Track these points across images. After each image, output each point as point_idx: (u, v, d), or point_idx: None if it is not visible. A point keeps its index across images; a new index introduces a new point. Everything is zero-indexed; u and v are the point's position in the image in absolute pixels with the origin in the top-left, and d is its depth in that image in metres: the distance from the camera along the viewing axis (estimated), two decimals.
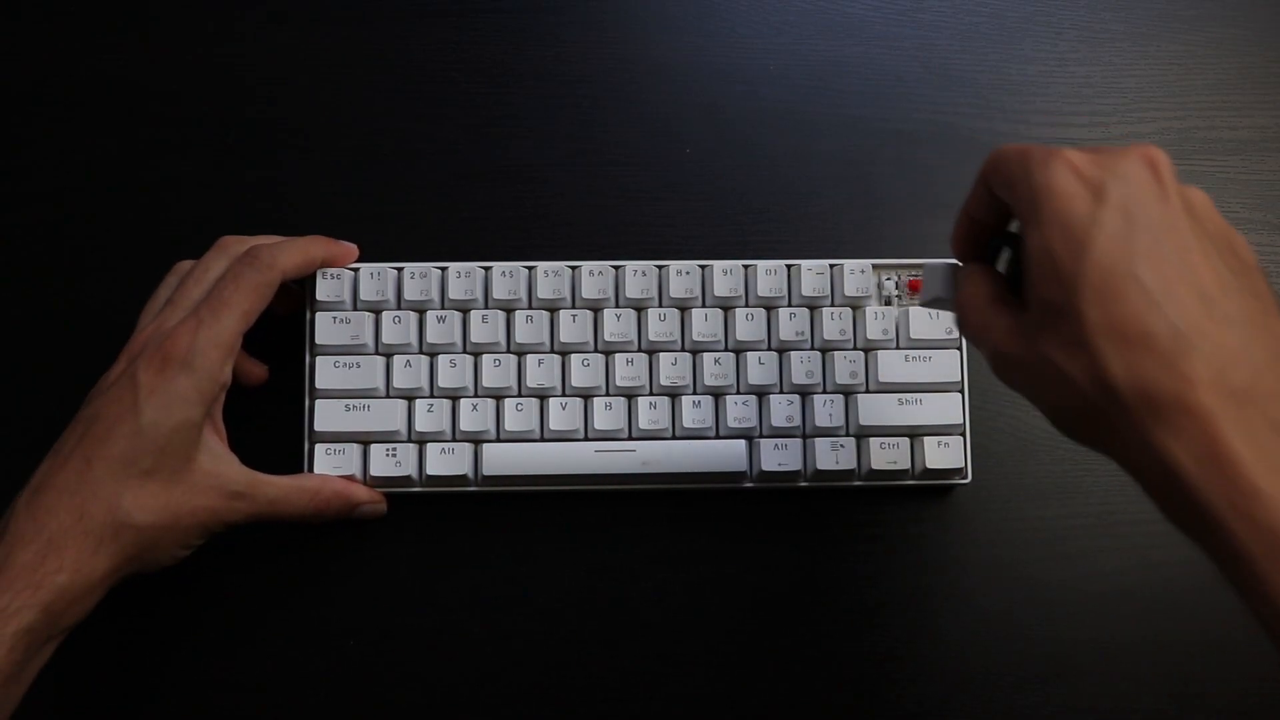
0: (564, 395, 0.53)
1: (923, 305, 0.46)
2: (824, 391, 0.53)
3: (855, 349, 0.53)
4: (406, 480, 0.52)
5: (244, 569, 0.53)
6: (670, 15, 0.58)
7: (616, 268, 0.54)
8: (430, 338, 0.53)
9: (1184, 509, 0.34)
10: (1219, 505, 0.33)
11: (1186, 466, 0.33)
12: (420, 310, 0.53)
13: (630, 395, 0.53)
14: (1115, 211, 0.35)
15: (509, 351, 0.53)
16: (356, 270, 0.53)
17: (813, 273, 0.53)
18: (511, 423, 0.52)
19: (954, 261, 0.44)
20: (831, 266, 0.53)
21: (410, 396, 0.53)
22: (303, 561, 0.53)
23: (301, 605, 0.53)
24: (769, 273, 0.53)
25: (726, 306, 0.54)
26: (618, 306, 0.53)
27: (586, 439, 0.53)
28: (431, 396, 0.53)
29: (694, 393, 0.53)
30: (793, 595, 0.49)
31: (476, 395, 0.53)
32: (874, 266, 0.54)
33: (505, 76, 0.57)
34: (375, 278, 0.53)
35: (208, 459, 0.47)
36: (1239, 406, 0.33)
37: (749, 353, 0.53)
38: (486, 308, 0.53)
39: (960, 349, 0.53)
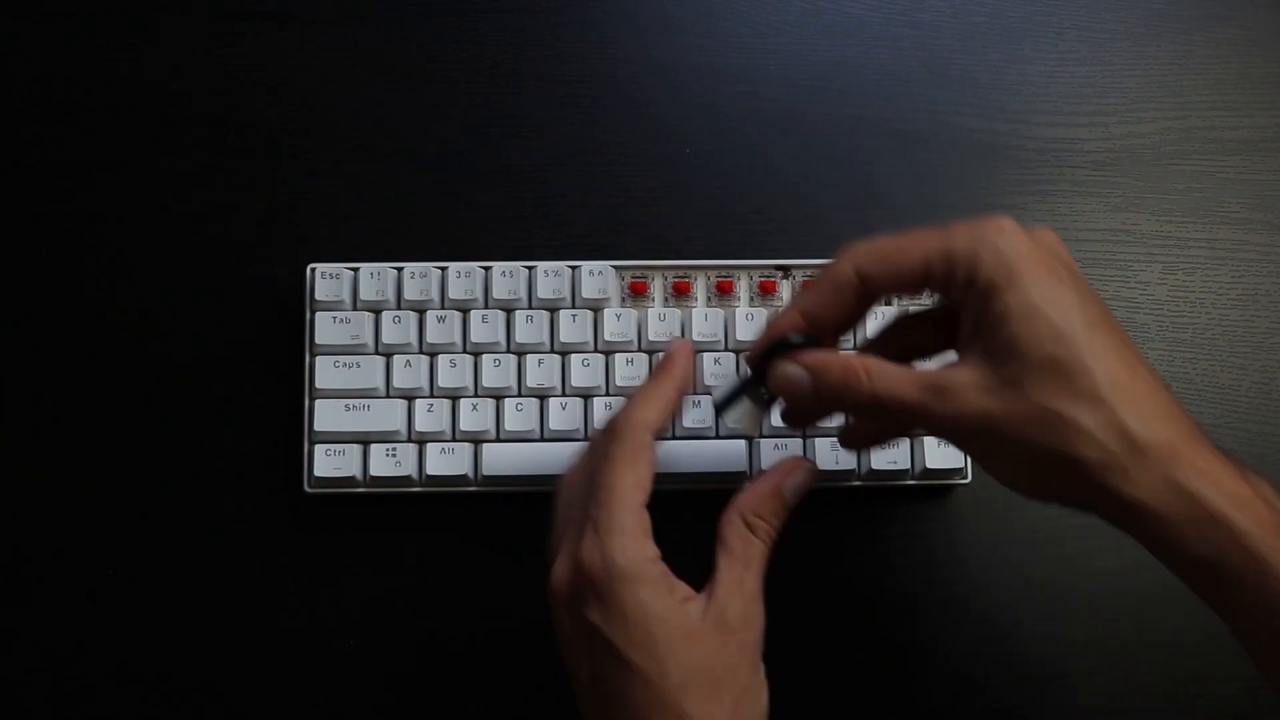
0: (564, 395, 0.53)
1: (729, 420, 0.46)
2: None
3: (855, 349, 0.53)
4: (406, 480, 0.52)
5: (244, 568, 0.53)
6: (670, 15, 0.58)
7: (616, 268, 0.54)
8: (430, 338, 0.53)
9: (1210, 535, 0.35)
10: (1244, 525, 0.35)
11: (1211, 498, 0.35)
12: (420, 310, 0.53)
13: (630, 395, 0.53)
14: (1069, 276, 0.38)
15: (509, 351, 0.53)
16: (356, 270, 0.53)
17: (811, 273, 0.53)
18: (511, 423, 0.52)
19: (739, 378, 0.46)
20: None
21: (410, 396, 0.53)
22: (303, 562, 0.53)
23: (302, 605, 0.53)
24: (768, 273, 0.53)
25: (725, 306, 0.53)
26: (617, 306, 0.53)
27: (587, 439, 0.53)
28: (431, 396, 0.53)
29: (693, 393, 0.53)
30: (792, 595, 0.49)
31: (476, 395, 0.53)
32: None
33: (505, 76, 0.57)
34: (375, 278, 0.53)
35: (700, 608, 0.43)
36: (1192, 444, 0.37)
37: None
38: (486, 308, 0.53)
39: None
